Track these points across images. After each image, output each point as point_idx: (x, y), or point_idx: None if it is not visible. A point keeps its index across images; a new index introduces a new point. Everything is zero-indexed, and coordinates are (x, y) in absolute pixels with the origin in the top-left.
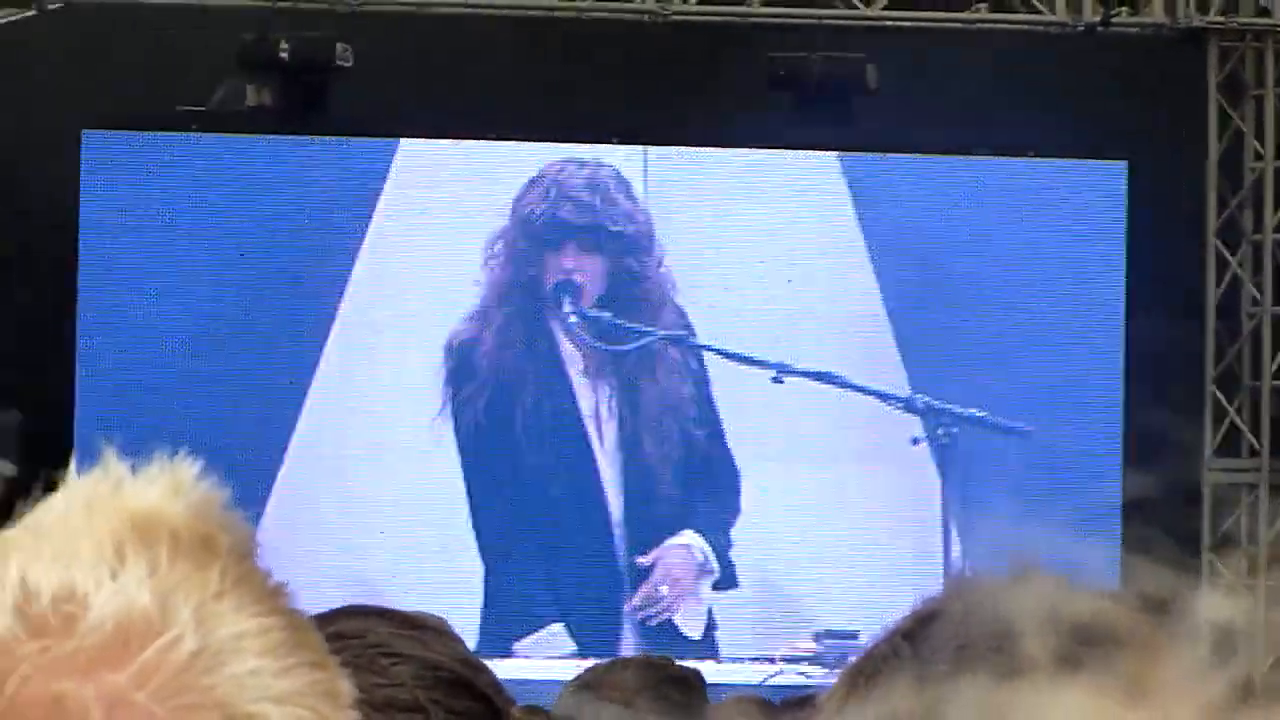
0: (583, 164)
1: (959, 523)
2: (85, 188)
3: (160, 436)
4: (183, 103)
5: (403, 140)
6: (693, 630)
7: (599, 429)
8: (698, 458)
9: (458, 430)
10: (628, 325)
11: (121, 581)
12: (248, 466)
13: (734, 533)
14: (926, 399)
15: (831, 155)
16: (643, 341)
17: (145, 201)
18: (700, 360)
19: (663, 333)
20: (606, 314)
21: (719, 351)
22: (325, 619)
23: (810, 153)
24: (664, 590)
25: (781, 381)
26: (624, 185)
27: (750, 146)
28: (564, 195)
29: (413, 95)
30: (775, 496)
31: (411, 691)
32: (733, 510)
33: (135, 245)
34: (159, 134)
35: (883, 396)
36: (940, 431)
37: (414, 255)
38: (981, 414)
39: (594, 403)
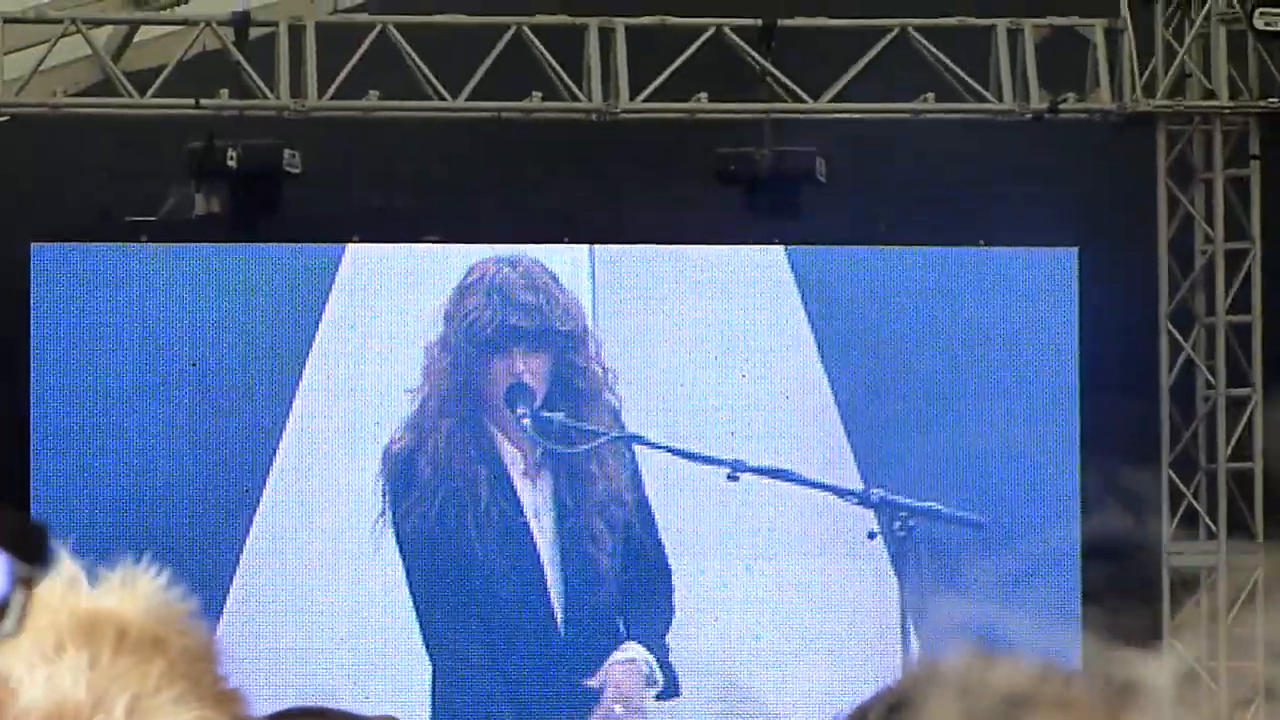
0: (513, 262)
1: (916, 616)
2: (35, 298)
3: (117, 547)
4: (132, 213)
5: (349, 245)
6: None
7: (540, 529)
8: (634, 559)
9: (399, 537)
10: (582, 427)
11: (55, 671)
12: (202, 575)
13: (676, 638)
14: (881, 493)
15: (779, 249)
16: (597, 442)
17: (95, 314)
18: (634, 460)
19: (616, 434)
20: (559, 414)
21: (675, 450)
22: None
23: (759, 247)
24: (617, 709)
25: (737, 479)
26: (554, 277)
27: (700, 243)
28: (508, 300)
29: (361, 200)
30: (728, 593)
31: None
32: (666, 615)
33: (86, 357)
34: (109, 244)
35: (838, 492)
36: (896, 525)
37: (359, 361)
38: (937, 506)
39: (534, 503)
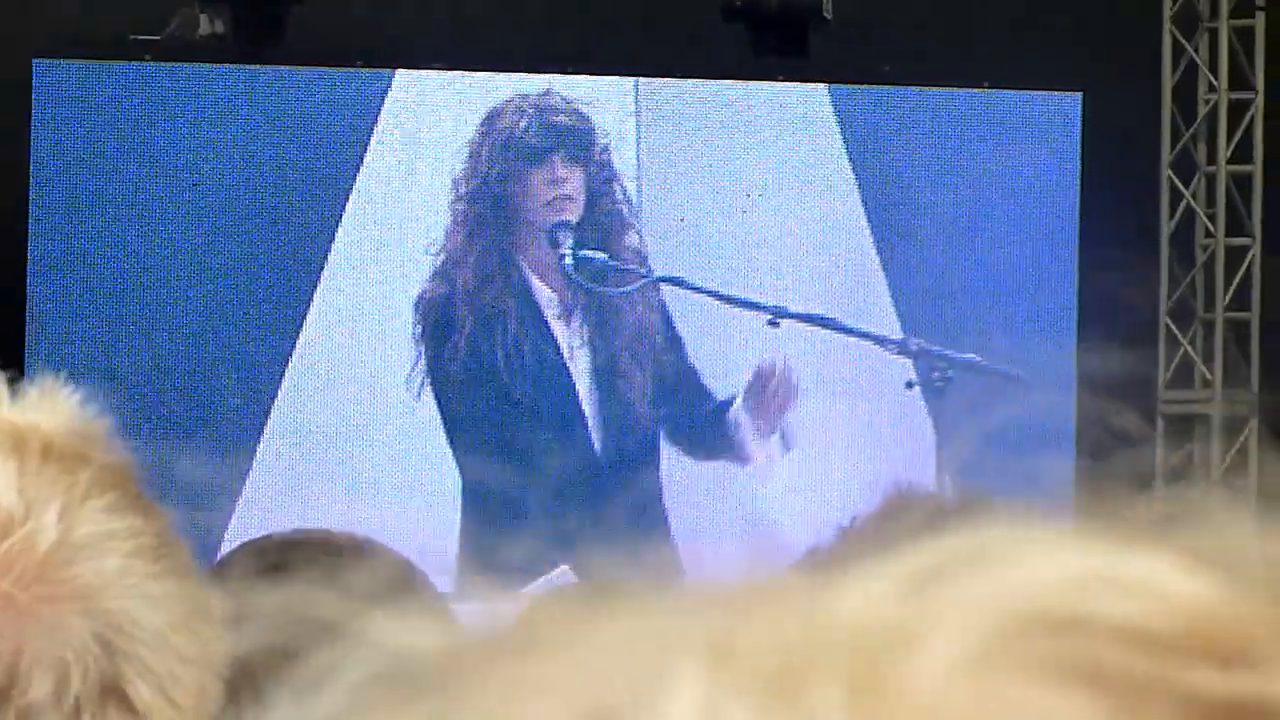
0: (546, 92)
1: (951, 465)
2: (36, 117)
3: (128, 380)
4: (136, 32)
5: (382, 70)
6: None
7: (576, 369)
8: (668, 396)
9: (436, 389)
10: (623, 267)
11: None
12: (226, 435)
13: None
14: (921, 342)
15: (822, 87)
16: (640, 284)
17: (99, 132)
18: (664, 304)
19: (659, 275)
20: (601, 255)
21: (716, 294)
22: (268, 547)
23: (798, 85)
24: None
25: (778, 325)
26: (588, 106)
27: (705, 78)
28: (545, 117)
29: (367, 25)
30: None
31: None
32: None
33: (88, 175)
34: (113, 64)
35: (879, 340)
36: (934, 375)
37: (390, 199)
38: (977, 358)
39: (569, 345)
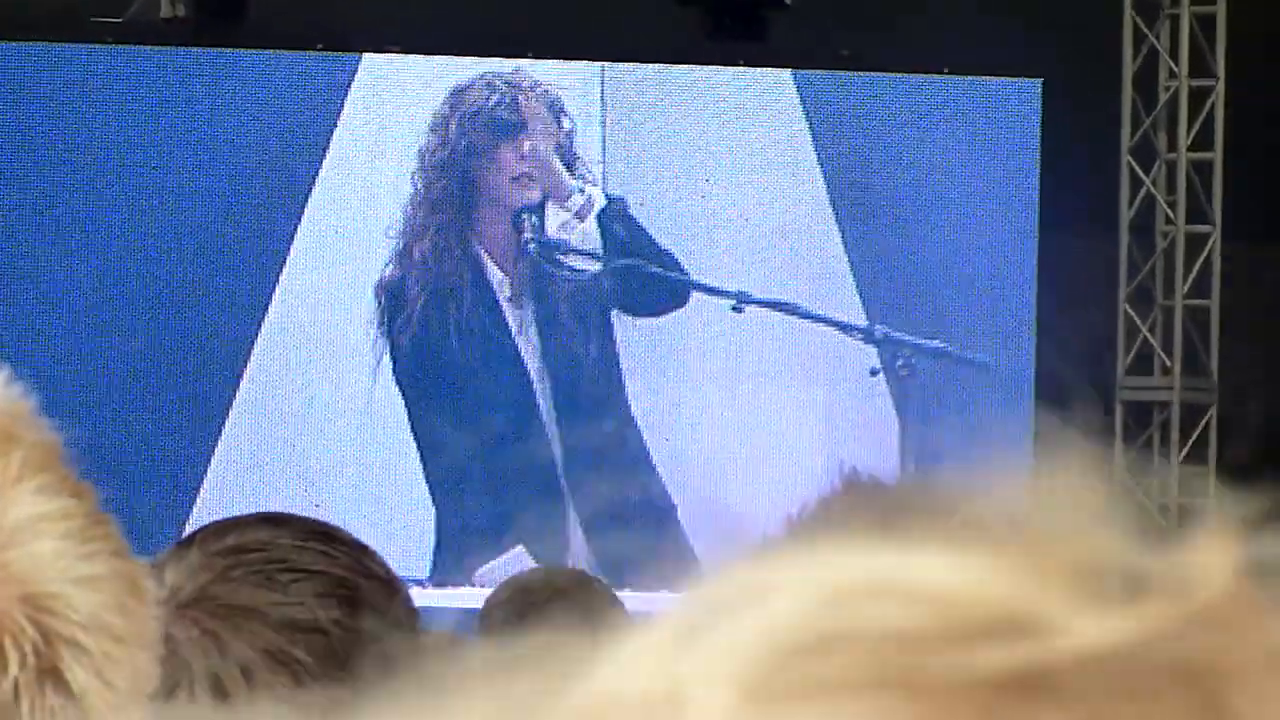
0: (514, 70)
1: (915, 452)
2: None
3: (83, 369)
4: (97, 13)
5: (346, 55)
6: None
7: (528, 352)
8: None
9: (396, 372)
10: (585, 250)
11: None
12: (191, 417)
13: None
14: (886, 329)
15: (786, 72)
16: (603, 268)
17: (59, 116)
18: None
19: (624, 261)
20: (564, 238)
21: (679, 280)
22: (226, 527)
23: (760, 70)
24: None
25: (741, 310)
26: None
27: (659, 62)
28: (510, 97)
29: (328, 8)
30: (724, 414)
31: (311, 610)
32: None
33: (49, 160)
34: (72, 45)
35: (843, 327)
36: (899, 364)
37: (354, 184)
38: (943, 345)
39: (520, 325)
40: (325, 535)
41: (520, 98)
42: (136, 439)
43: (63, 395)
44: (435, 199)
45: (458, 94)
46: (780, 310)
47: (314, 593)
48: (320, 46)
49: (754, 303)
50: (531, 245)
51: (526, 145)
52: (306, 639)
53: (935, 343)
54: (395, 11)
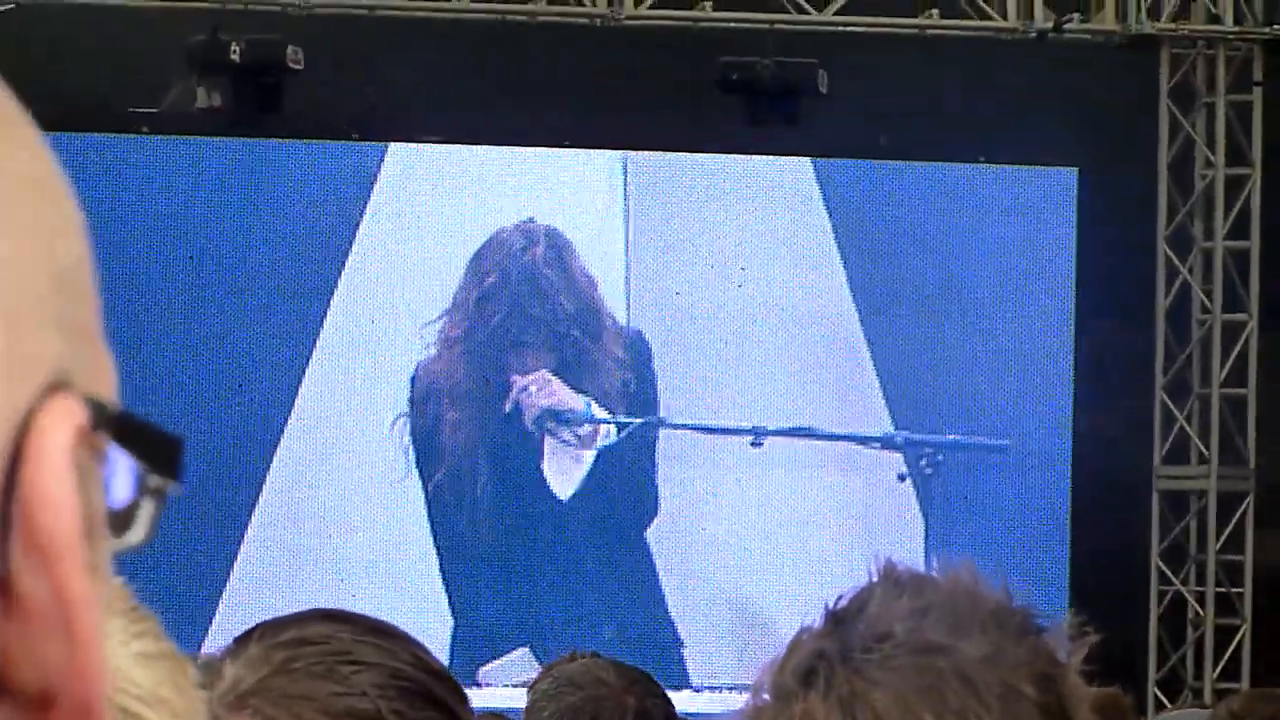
0: (528, 236)
1: (939, 552)
2: None
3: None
4: (133, 104)
5: (376, 144)
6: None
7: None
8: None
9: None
10: (598, 418)
11: None
12: (220, 496)
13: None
14: (906, 434)
15: (806, 161)
16: (620, 436)
17: (96, 204)
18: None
19: (639, 420)
20: (570, 413)
21: (694, 427)
22: (285, 623)
23: (787, 159)
24: None
25: (760, 445)
26: (569, 251)
27: (696, 151)
28: (520, 307)
29: (363, 98)
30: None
31: (372, 701)
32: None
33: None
34: (111, 136)
35: (862, 440)
36: (923, 463)
37: (390, 265)
38: (958, 437)
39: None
40: (384, 631)
41: (533, 306)
42: (163, 533)
43: None
44: (460, 353)
45: (475, 268)
46: (798, 436)
47: (374, 684)
48: (354, 136)
49: (771, 434)
50: (567, 436)
51: (532, 360)
52: None
53: (959, 437)
54: (428, 101)
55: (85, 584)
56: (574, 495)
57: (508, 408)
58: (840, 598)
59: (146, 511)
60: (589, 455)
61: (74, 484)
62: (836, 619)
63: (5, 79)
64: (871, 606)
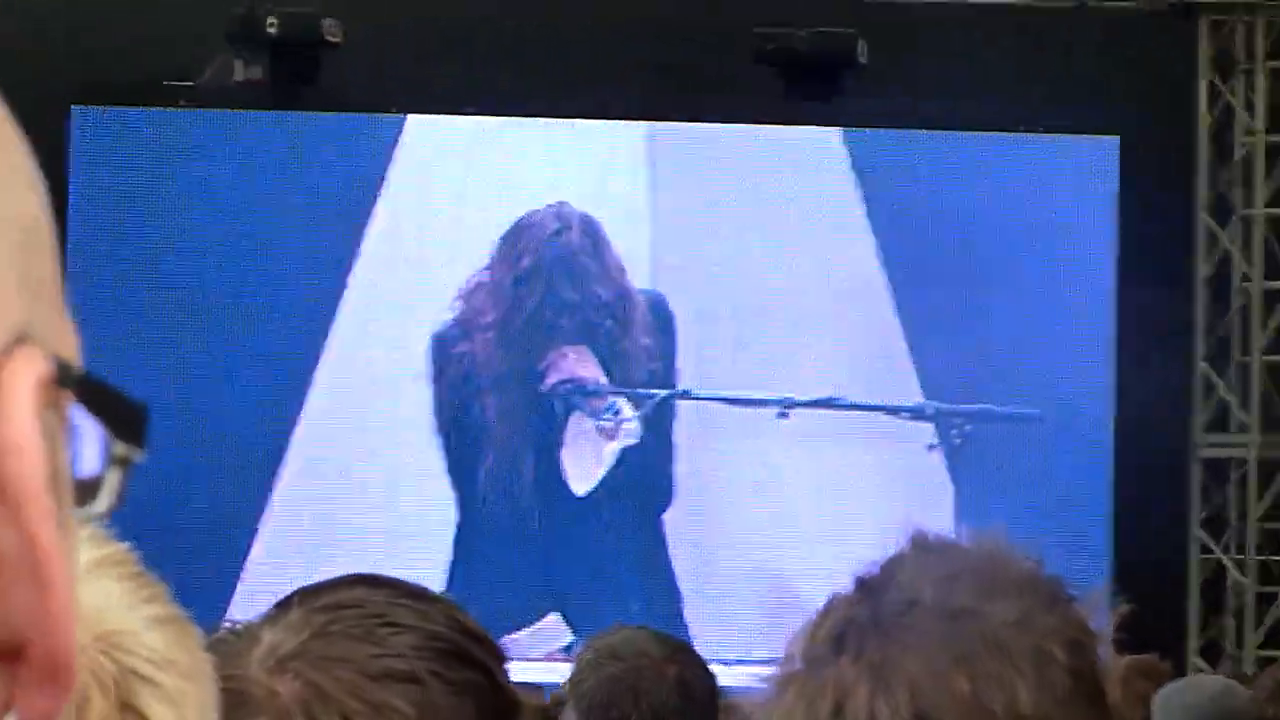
0: (562, 220)
1: (969, 522)
2: (74, 163)
3: (155, 421)
4: (171, 78)
5: (409, 117)
6: None
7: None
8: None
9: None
10: (623, 415)
11: None
12: (245, 462)
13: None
14: (936, 405)
15: (835, 131)
16: (643, 411)
17: (136, 177)
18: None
19: (664, 392)
20: (600, 404)
21: (721, 399)
22: (322, 588)
23: (815, 128)
24: None
25: (787, 416)
26: (601, 238)
27: (734, 122)
28: (553, 290)
29: (400, 70)
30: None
31: (410, 662)
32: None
33: (125, 222)
34: (148, 110)
35: (892, 410)
36: (953, 433)
37: (414, 237)
38: (991, 406)
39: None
40: (421, 594)
41: (566, 291)
42: (186, 502)
43: None
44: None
45: (507, 250)
46: (826, 407)
47: (411, 645)
48: (393, 109)
49: (798, 405)
50: (586, 419)
51: (568, 361)
52: (404, 689)
53: (992, 406)
54: (465, 74)
55: (53, 532)
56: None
57: (542, 368)
58: (870, 565)
59: (113, 480)
60: (610, 451)
61: (40, 435)
62: (867, 586)
63: (45, 54)
64: (901, 573)
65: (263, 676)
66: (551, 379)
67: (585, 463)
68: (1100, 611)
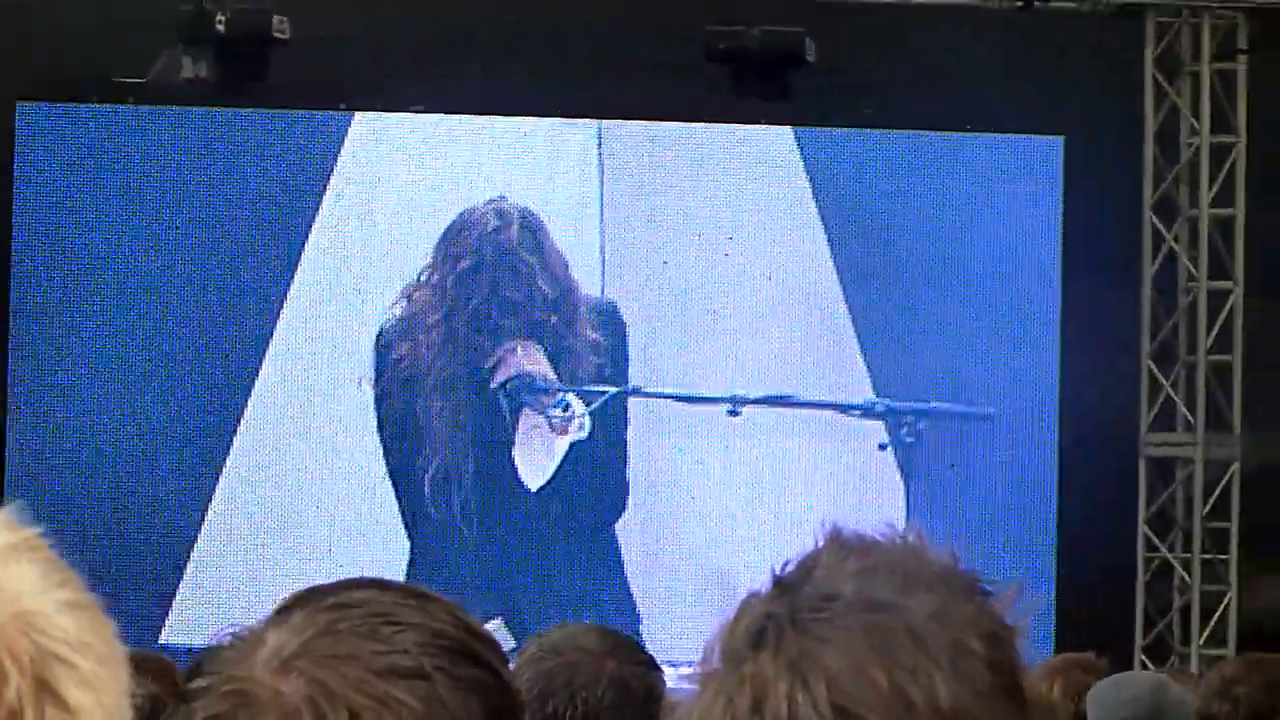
0: (502, 217)
1: (921, 521)
2: (20, 159)
3: (99, 411)
4: (119, 74)
5: (356, 114)
6: None
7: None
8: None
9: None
10: (574, 409)
11: None
12: (197, 443)
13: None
14: (887, 403)
15: (787, 130)
16: (593, 407)
17: (82, 173)
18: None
19: (613, 389)
20: (549, 400)
21: (668, 395)
22: (326, 591)
23: (765, 128)
24: None
25: (738, 414)
26: (543, 233)
27: (684, 120)
28: (496, 291)
29: (349, 68)
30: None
31: (416, 659)
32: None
33: (70, 218)
34: (96, 105)
35: (843, 408)
36: (904, 432)
37: (361, 233)
38: (943, 405)
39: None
40: (422, 594)
41: (508, 290)
42: (132, 497)
43: (64, 441)
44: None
45: (446, 243)
46: (777, 404)
47: (416, 642)
48: (341, 106)
49: (749, 403)
50: (529, 410)
51: (515, 356)
52: (410, 684)
53: (943, 404)
54: (415, 71)
55: None
56: (545, 487)
57: (490, 365)
58: (787, 562)
59: None
60: (561, 445)
61: None
62: (784, 583)
63: None
64: (819, 569)
65: (267, 677)
66: (500, 375)
67: (537, 457)
68: (1017, 605)
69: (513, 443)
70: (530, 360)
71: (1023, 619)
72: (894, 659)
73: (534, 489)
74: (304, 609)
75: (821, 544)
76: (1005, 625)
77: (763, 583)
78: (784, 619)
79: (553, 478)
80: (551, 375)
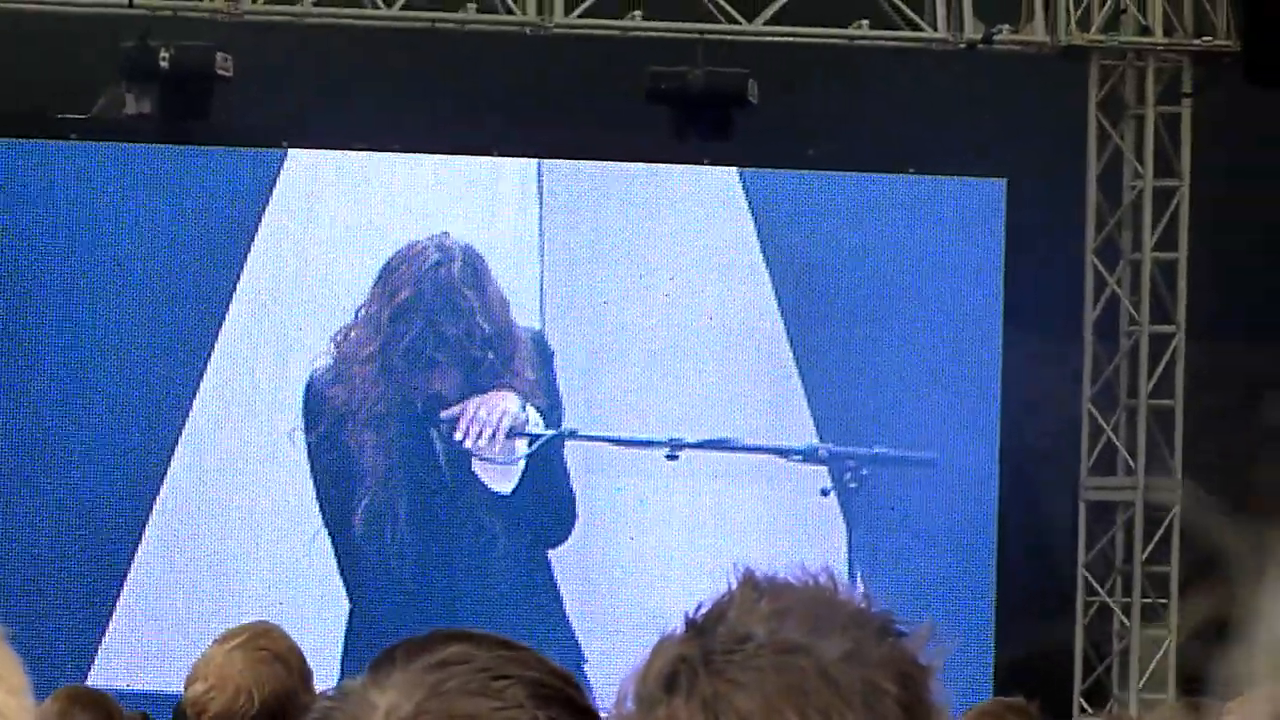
0: (444, 252)
1: (863, 566)
2: None
3: (40, 446)
4: (62, 111)
5: (290, 151)
6: None
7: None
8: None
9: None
10: (522, 431)
11: None
12: (125, 485)
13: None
14: (829, 447)
15: (732, 170)
16: (529, 451)
17: (23, 210)
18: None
19: (551, 432)
20: (483, 444)
21: (605, 439)
22: (413, 647)
23: (707, 168)
24: None
25: (676, 457)
26: (484, 270)
27: (626, 160)
28: (433, 326)
29: (291, 106)
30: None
31: (530, 712)
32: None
33: (9, 253)
34: (38, 141)
35: (783, 453)
36: (847, 477)
37: (296, 269)
38: (887, 451)
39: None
40: (508, 644)
41: (447, 327)
42: (57, 541)
43: None
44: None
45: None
46: (716, 449)
47: (526, 696)
48: (284, 143)
49: (687, 447)
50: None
51: (443, 380)
52: None
53: (885, 449)
54: (359, 109)
55: None
56: (493, 514)
57: (450, 434)
58: (700, 604)
59: None
60: (521, 447)
61: None
62: (697, 626)
63: None
64: (731, 611)
65: None
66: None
67: (498, 464)
68: (930, 645)
69: (470, 455)
70: (493, 413)
71: (936, 660)
72: (806, 700)
73: (505, 493)
74: (403, 668)
75: (734, 586)
76: (919, 665)
77: (675, 625)
78: (697, 661)
79: (502, 506)
80: (523, 415)
